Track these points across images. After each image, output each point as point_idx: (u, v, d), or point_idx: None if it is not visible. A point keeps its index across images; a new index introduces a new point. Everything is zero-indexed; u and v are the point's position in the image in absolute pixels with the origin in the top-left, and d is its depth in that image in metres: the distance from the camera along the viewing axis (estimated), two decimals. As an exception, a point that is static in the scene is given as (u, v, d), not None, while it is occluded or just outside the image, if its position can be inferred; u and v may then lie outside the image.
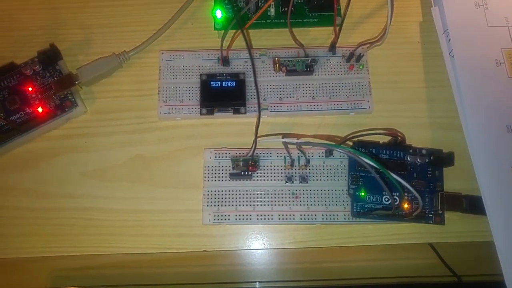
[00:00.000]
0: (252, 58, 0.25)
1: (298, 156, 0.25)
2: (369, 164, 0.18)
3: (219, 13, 0.27)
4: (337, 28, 0.27)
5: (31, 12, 0.29)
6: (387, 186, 0.21)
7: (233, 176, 0.25)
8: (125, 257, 0.28)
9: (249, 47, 0.23)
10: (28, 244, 0.25)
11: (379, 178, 0.20)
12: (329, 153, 0.25)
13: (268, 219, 0.25)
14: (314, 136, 0.27)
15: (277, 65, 0.26)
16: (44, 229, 0.26)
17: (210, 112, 0.26)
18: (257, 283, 0.28)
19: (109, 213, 0.26)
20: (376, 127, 0.27)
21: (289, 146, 0.24)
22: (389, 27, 0.23)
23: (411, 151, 0.25)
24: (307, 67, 0.26)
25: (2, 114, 0.26)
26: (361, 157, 0.18)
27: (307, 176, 0.25)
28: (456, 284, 0.31)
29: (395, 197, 0.24)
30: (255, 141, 0.23)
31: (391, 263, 0.31)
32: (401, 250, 0.31)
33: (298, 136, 0.26)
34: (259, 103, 0.23)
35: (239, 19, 0.25)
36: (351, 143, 0.26)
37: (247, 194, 0.25)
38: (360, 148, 0.25)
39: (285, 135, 0.26)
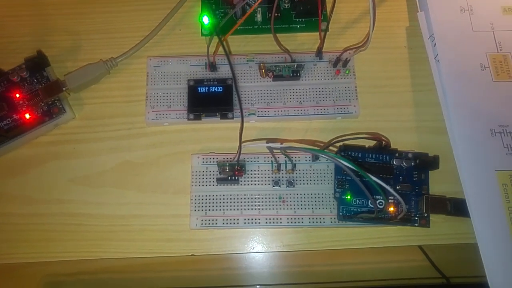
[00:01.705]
0: (231, 65, 0.25)
1: (285, 161, 0.26)
2: (349, 168, 0.19)
3: (206, 19, 0.27)
4: (323, 33, 0.27)
5: (18, 18, 0.30)
6: (370, 190, 0.21)
7: (220, 181, 0.25)
8: (116, 262, 0.28)
9: (228, 55, 0.23)
10: (18, 250, 0.26)
11: (360, 181, 0.20)
12: (315, 157, 0.26)
13: (256, 223, 0.25)
14: (300, 141, 0.27)
15: (263, 70, 0.26)
16: (33, 235, 0.26)
17: (198, 118, 0.27)
18: (258, 286, 0.29)
19: (97, 219, 0.26)
20: (362, 131, 0.27)
21: (275, 151, 0.24)
22: (372, 33, 0.23)
23: (397, 154, 0.26)
24: (294, 72, 0.27)
25: (-11, 121, 0.26)
26: (340, 160, 0.18)
27: (293, 180, 0.25)
28: (445, 285, 0.31)
29: (381, 200, 0.24)
30: (239, 147, 0.23)
31: (380, 266, 0.31)
32: (390, 252, 0.31)
33: (282, 141, 0.27)
34: (241, 110, 0.24)
35: (217, 29, 0.25)
36: (337, 147, 0.26)
37: (234, 199, 0.25)
38: (345, 153, 0.25)
39: (269, 140, 0.26)
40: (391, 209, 0.24)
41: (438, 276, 0.32)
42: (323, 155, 0.21)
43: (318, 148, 0.26)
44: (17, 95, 0.27)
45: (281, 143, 0.22)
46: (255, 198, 0.25)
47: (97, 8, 0.30)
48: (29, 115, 0.26)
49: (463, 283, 0.31)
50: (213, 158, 0.26)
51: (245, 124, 0.24)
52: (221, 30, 0.26)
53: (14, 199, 0.26)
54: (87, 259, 0.25)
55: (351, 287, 0.31)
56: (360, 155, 0.26)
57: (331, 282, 0.31)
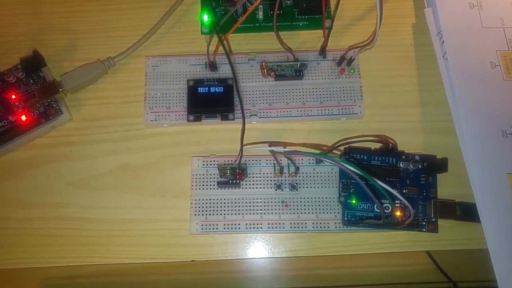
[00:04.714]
0: (232, 65, 0.24)
1: (288, 164, 0.25)
2: (354, 172, 0.18)
3: (206, 17, 0.26)
4: (327, 31, 0.26)
5: (13, 17, 0.29)
6: (376, 194, 0.20)
7: (220, 184, 0.25)
8: (114, 266, 0.28)
9: (228, 54, 0.23)
10: (14, 255, 0.25)
11: (366, 186, 0.19)
12: (319, 160, 0.25)
13: (257, 228, 0.24)
14: (303, 144, 0.26)
15: (265, 70, 0.26)
16: (29, 240, 0.25)
17: (198, 119, 0.26)
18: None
19: (95, 223, 0.25)
20: (367, 132, 0.26)
21: (277, 154, 0.23)
22: (379, 31, 0.22)
23: (403, 157, 0.25)
24: (296, 71, 0.26)
25: (-16, 123, 0.25)
26: (345, 165, 0.18)
27: (297, 183, 0.25)
28: (452, 290, 0.31)
29: (387, 204, 0.24)
30: (241, 150, 0.23)
31: (385, 270, 0.31)
32: (397, 256, 0.30)
33: (285, 144, 0.26)
34: (242, 111, 0.23)
35: (217, 27, 0.24)
36: (341, 150, 0.25)
37: (235, 203, 0.25)
38: (350, 155, 0.25)
39: (271, 143, 0.26)
40: (398, 213, 0.23)
41: (445, 281, 0.31)
42: (327, 160, 0.20)
43: (321, 152, 0.25)
44: (13, 96, 0.26)
45: (284, 147, 0.21)
46: (257, 202, 0.25)
47: (94, 6, 0.29)
48: (25, 116, 0.26)
49: (471, 288, 0.31)
50: (214, 161, 0.25)
51: (246, 126, 0.23)
52: (221, 28, 0.25)
53: (10, 203, 0.26)
54: (85, 264, 0.25)
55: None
56: (365, 158, 0.25)
57: (334, 286, 0.30)
